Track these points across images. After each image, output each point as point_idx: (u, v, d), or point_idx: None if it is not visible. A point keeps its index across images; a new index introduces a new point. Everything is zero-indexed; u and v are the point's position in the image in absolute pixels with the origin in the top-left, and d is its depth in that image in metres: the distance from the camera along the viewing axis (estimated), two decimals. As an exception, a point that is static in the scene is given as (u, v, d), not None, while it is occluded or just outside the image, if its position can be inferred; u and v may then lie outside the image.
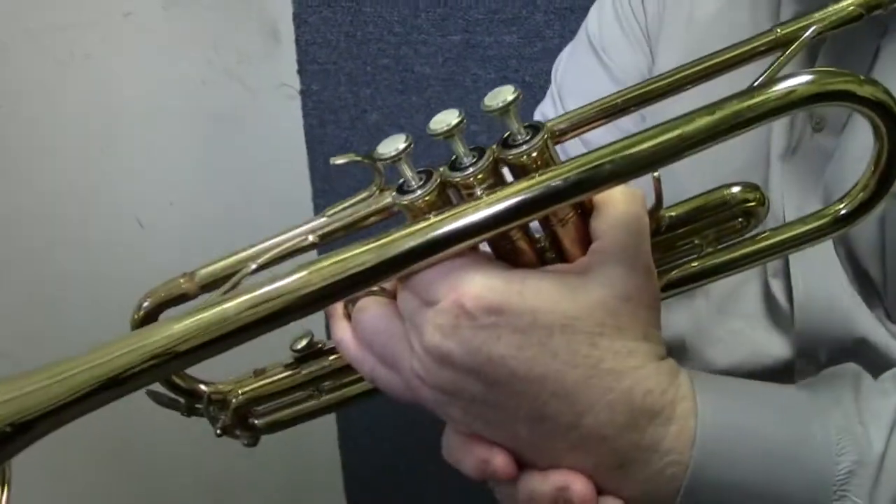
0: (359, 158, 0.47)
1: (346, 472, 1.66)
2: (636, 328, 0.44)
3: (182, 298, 0.55)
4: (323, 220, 0.50)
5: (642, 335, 0.44)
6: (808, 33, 0.46)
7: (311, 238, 0.50)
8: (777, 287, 0.63)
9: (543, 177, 0.42)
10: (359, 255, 0.42)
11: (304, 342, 0.57)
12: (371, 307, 0.49)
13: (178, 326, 0.42)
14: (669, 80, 0.48)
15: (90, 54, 1.21)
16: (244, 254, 0.53)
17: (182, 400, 0.59)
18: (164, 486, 1.37)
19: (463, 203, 0.43)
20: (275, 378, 0.59)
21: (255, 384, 0.59)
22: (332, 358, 0.57)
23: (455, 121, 0.43)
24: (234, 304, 0.43)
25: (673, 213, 0.53)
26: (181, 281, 0.55)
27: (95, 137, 1.23)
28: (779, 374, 0.64)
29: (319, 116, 1.51)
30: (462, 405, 0.45)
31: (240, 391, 0.59)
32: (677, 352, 0.72)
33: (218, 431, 0.59)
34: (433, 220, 0.43)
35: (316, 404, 0.60)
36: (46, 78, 1.16)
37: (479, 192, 0.43)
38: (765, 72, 0.43)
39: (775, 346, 0.64)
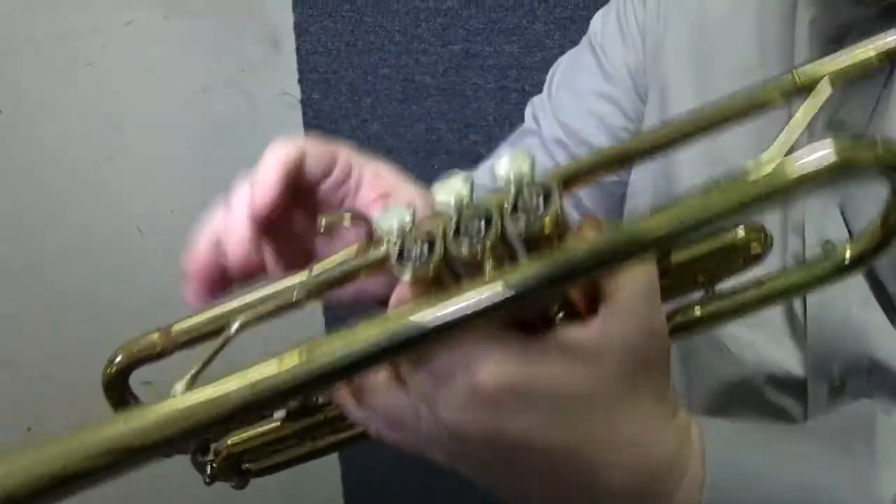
0: (351, 220, 0.47)
1: (345, 485, 1.66)
2: (652, 391, 0.44)
3: (157, 355, 0.51)
4: (309, 275, 0.47)
5: (657, 397, 0.44)
6: (823, 81, 0.44)
7: (296, 295, 0.47)
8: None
9: (566, 254, 0.38)
10: (365, 332, 0.39)
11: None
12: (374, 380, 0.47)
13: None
14: (680, 126, 0.46)
15: (92, 62, 1.21)
16: (224, 307, 0.49)
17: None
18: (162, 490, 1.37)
19: (473, 280, 0.40)
20: (267, 429, 0.56)
21: (246, 436, 0.56)
22: (327, 410, 0.54)
23: (465, 192, 0.40)
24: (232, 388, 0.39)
25: (680, 260, 0.51)
26: (155, 337, 0.51)
27: (96, 145, 1.24)
28: (789, 388, 0.64)
29: (320, 126, 1.51)
30: (473, 469, 0.45)
31: (230, 441, 0.56)
32: (683, 357, 0.73)
33: (207, 480, 0.57)
34: (442, 298, 0.39)
35: (311, 447, 0.57)
36: (48, 86, 1.16)
37: (486, 265, 0.40)
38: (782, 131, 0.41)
39: (786, 358, 0.63)
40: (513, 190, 0.40)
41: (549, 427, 0.41)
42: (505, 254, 0.41)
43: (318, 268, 0.47)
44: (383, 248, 0.44)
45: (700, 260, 0.51)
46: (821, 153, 0.38)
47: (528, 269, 0.39)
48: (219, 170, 1.46)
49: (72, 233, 1.21)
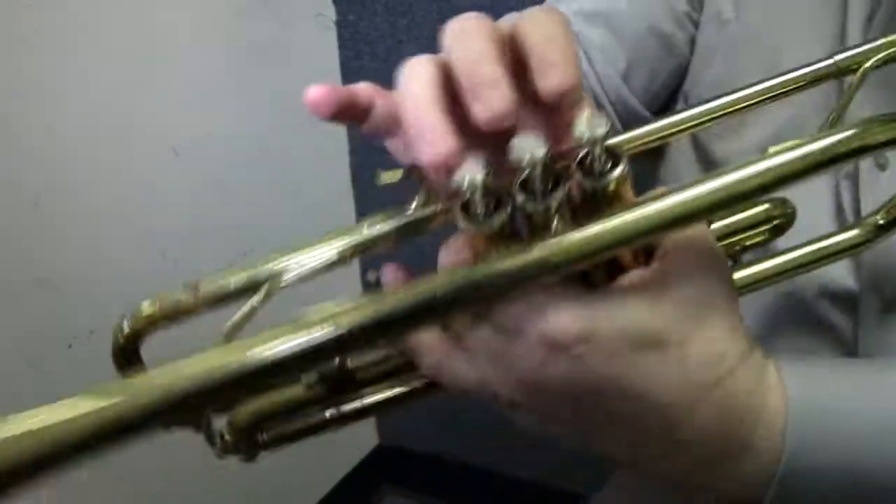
0: (407, 176, 0.44)
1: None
2: (722, 325, 0.43)
3: (183, 313, 0.47)
4: (357, 232, 0.46)
5: (729, 331, 0.43)
6: (869, 63, 0.47)
7: (343, 252, 0.45)
8: (847, 200, 0.62)
9: (642, 211, 0.40)
10: (436, 281, 0.39)
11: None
12: (434, 344, 0.46)
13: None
14: (732, 101, 0.49)
15: (129, -16, 1.21)
16: (262, 268, 0.46)
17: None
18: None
19: (540, 233, 0.41)
20: (290, 393, 0.53)
21: (268, 398, 0.53)
22: (359, 374, 0.52)
23: (541, 153, 0.39)
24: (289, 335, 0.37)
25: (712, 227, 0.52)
26: (180, 293, 0.47)
27: (131, 67, 1.23)
28: (840, 302, 0.63)
29: (355, 48, 1.50)
30: (558, 426, 0.45)
31: (249, 406, 0.53)
32: None
33: (219, 453, 0.53)
34: (519, 249, 0.40)
35: (334, 417, 0.54)
36: (83, 8, 1.15)
37: (554, 222, 0.41)
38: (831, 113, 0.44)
39: (840, 269, 0.62)
40: (584, 151, 0.41)
41: (625, 373, 0.41)
42: (570, 214, 0.42)
43: (368, 220, 0.46)
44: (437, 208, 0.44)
45: (728, 232, 0.53)
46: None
47: (608, 223, 0.40)
48: (253, 92, 1.46)
49: (108, 154, 1.22)
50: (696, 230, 0.44)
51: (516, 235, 0.42)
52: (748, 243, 0.53)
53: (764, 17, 0.68)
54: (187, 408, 0.36)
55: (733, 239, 0.53)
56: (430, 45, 0.44)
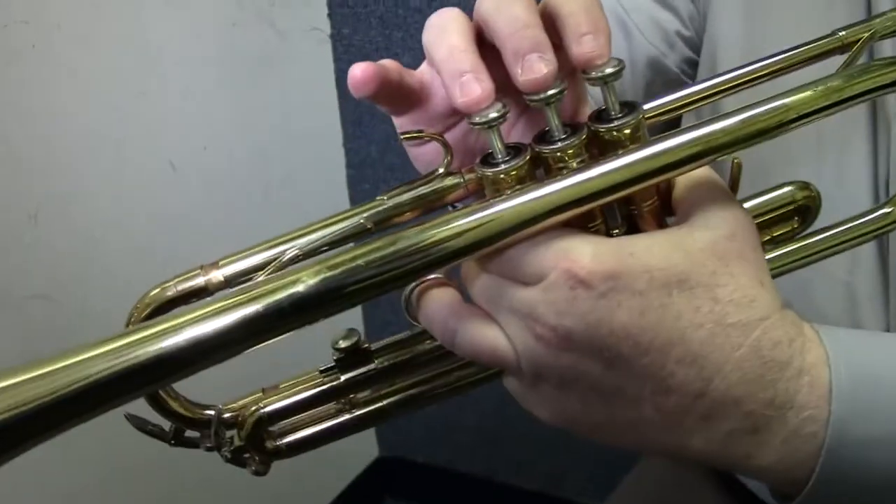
0: (429, 135, 0.45)
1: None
2: (750, 273, 0.42)
3: (199, 293, 0.47)
4: (378, 204, 0.46)
5: (758, 281, 0.42)
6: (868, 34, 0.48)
7: (364, 222, 0.45)
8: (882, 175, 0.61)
9: (658, 146, 0.41)
10: (444, 223, 0.41)
11: (348, 342, 0.50)
12: (445, 301, 0.45)
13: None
14: (735, 76, 0.50)
15: (123, -5, 1.21)
16: (282, 246, 0.46)
17: (170, 425, 0.51)
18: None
19: (559, 174, 0.42)
20: (305, 386, 0.51)
21: (281, 395, 0.51)
22: (378, 360, 0.51)
23: (553, 91, 0.41)
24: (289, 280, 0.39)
25: None
26: (199, 272, 0.47)
27: (128, 80, 1.24)
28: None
29: (350, 60, 1.50)
30: (582, 397, 0.43)
31: (261, 404, 0.51)
32: None
33: (227, 456, 0.52)
34: (533, 185, 0.41)
35: (348, 419, 0.52)
36: (80, 19, 1.16)
37: (572, 165, 0.42)
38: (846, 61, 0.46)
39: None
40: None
41: (654, 315, 0.40)
42: (587, 159, 0.43)
43: (386, 193, 0.46)
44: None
45: (756, 215, 0.52)
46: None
47: (622, 159, 0.42)
48: (249, 105, 1.47)
49: (106, 168, 1.22)
50: (715, 185, 0.44)
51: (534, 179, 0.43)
52: (777, 232, 0.53)
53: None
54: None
55: (758, 222, 0.52)
56: (425, 57, 0.45)
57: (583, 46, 0.41)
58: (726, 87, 0.49)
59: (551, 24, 0.43)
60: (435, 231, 0.40)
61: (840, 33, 0.48)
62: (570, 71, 0.44)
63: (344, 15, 1.48)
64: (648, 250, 0.40)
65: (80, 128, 1.18)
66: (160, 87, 1.29)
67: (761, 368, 0.41)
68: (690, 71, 0.78)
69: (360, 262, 0.40)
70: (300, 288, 0.39)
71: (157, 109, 1.28)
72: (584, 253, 0.40)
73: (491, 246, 0.41)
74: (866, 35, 0.47)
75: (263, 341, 0.40)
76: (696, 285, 0.40)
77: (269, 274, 0.43)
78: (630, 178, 0.41)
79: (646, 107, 0.47)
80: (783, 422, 0.41)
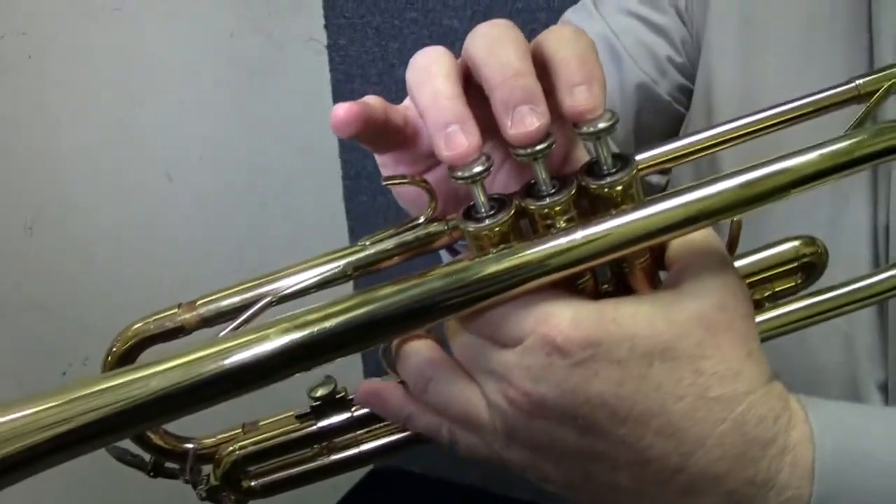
0: (413, 181, 0.44)
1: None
2: (738, 344, 0.40)
3: (176, 332, 0.47)
4: (359, 249, 0.45)
5: (745, 352, 0.40)
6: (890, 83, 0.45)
7: (344, 269, 0.44)
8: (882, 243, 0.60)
9: (652, 209, 0.39)
10: (426, 283, 0.39)
11: (324, 390, 0.49)
12: (423, 351, 0.43)
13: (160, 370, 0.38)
14: (732, 131, 0.47)
15: (120, 7, 1.21)
16: (260, 288, 0.45)
17: (148, 457, 0.51)
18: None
19: (544, 234, 0.40)
20: (282, 430, 0.51)
21: (258, 437, 0.51)
22: (354, 409, 0.50)
23: (541, 146, 0.39)
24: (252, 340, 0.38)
25: (738, 265, 0.50)
26: (176, 311, 0.46)
27: (125, 91, 1.23)
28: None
29: (346, 71, 1.50)
30: (555, 460, 0.42)
31: (237, 445, 0.50)
32: None
33: (203, 495, 0.52)
34: (517, 246, 0.39)
35: (325, 463, 0.52)
36: (76, 30, 1.16)
37: (560, 223, 0.40)
38: (861, 117, 0.43)
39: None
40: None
41: (632, 385, 0.38)
42: (576, 216, 0.41)
43: (368, 238, 0.45)
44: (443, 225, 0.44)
45: (757, 270, 0.51)
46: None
47: (613, 222, 0.40)
48: (247, 116, 1.46)
49: (101, 178, 1.22)
50: (711, 248, 0.42)
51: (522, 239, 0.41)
52: (779, 288, 0.51)
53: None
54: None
55: (759, 277, 0.51)
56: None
57: (575, 98, 0.39)
58: (726, 138, 0.46)
59: (543, 68, 0.40)
60: (413, 291, 0.39)
61: (857, 82, 0.45)
62: (561, 114, 0.41)
63: (340, 26, 1.48)
64: (633, 317, 0.39)
65: (77, 139, 1.18)
66: (157, 98, 1.28)
67: (744, 446, 0.40)
68: (683, 98, 0.76)
69: (329, 323, 0.38)
70: (266, 347, 0.38)
71: (153, 120, 1.28)
72: (563, 318, 0.38)
73: (471, 307, 0.40)
74: (886, 85, 0.45)
75: (231, 398, 0.39)
76: (679, 356, 0.39)
77: (239, 325, 0.43)
78: (621, 243, 0.39)
79: (640, 157, 0.44)
80: (764, 501, 0.40)
